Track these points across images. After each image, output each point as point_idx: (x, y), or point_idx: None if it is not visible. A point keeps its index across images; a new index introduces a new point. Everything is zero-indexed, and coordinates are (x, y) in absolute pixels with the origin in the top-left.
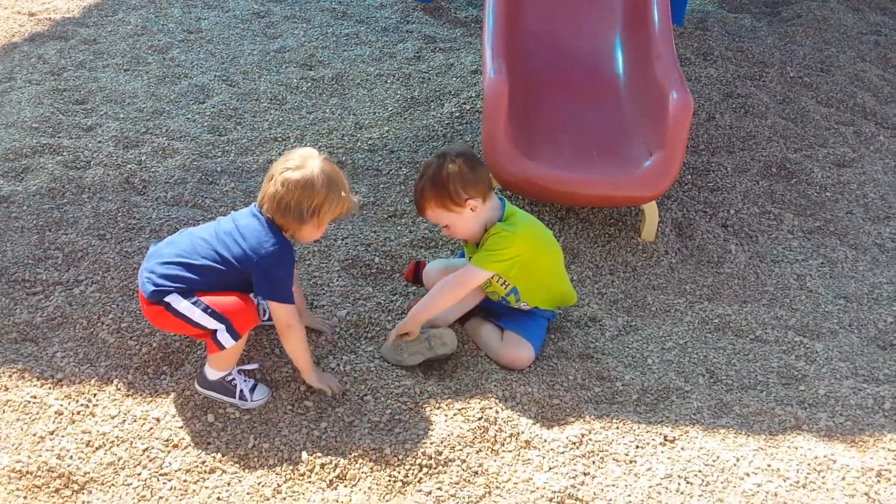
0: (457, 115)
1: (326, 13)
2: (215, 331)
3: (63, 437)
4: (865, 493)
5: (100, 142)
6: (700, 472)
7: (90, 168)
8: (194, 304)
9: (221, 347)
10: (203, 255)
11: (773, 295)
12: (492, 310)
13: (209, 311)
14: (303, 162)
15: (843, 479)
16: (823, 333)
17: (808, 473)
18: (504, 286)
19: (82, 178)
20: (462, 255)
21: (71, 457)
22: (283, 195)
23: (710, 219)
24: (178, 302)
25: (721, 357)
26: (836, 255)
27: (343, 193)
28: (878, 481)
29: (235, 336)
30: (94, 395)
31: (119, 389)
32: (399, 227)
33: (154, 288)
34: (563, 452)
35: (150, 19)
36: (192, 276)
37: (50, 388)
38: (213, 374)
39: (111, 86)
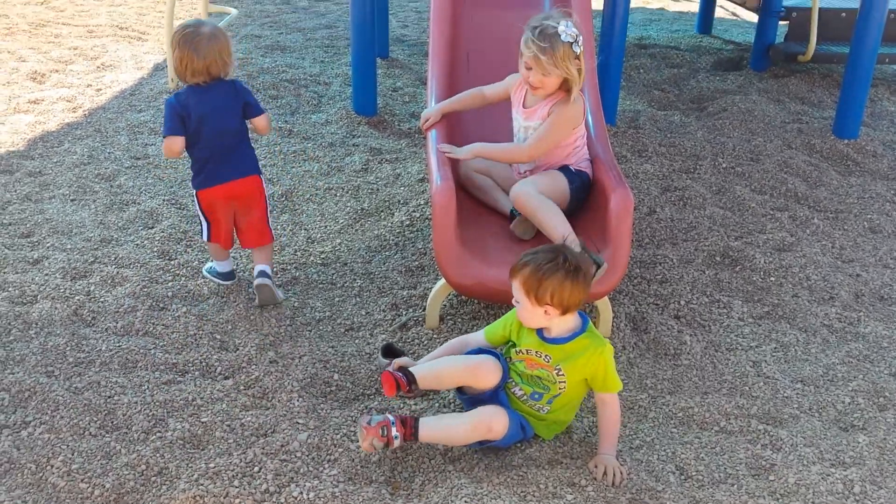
0: (407, 223)
1: (273, 132)
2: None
3: None
4: None
5: (46, 275)
6: None
7: (37, 302)
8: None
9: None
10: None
11: (732, 384)
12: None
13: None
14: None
15: None
16: (785, 419)
17: None
18: (560, 382)
19: (29, 313)
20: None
21: None
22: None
23: (662, 311)
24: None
25: (689, 452)
26: (787, 338)
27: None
28: None
29: None
30: None
31: None
32: (357, 341)
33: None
34: None
35: (97, 148)
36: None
37: None
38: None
39: (58, 217)
